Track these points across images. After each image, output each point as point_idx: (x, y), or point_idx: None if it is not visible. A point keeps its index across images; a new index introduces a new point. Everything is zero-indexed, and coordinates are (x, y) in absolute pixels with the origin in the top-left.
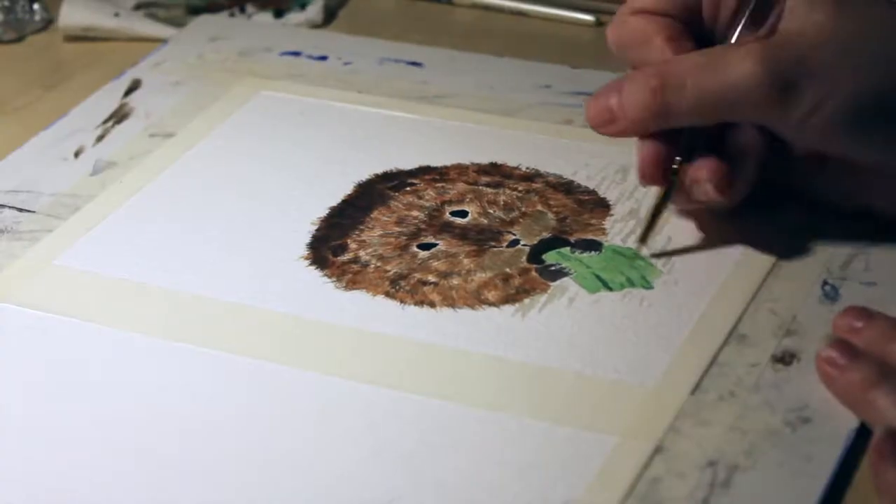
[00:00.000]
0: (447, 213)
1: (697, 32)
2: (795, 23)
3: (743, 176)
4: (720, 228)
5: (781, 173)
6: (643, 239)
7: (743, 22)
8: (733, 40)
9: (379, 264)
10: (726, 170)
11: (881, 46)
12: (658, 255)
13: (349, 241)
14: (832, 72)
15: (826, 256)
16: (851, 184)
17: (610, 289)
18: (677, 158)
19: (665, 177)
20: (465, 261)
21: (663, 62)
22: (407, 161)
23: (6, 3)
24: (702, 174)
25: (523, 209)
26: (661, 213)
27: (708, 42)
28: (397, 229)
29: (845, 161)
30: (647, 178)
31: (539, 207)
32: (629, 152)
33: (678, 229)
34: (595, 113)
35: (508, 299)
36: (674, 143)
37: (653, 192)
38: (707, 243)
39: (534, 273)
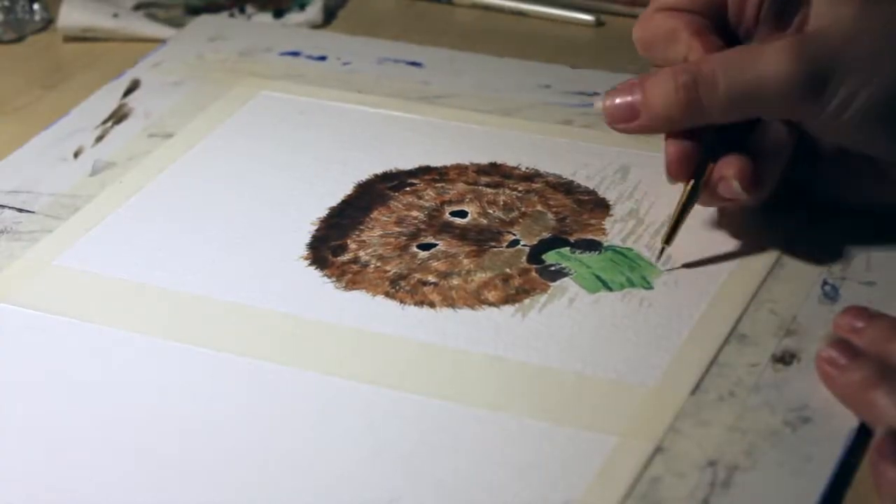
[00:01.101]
0: (447, 214)
1: (722, 30)
2: (824, 20)
3: (769, 174)
4: (720, 229)
5: (805, 174)
6: (668, 239)
7: (769, 19)
8: (759, 35)
9: (379, 264)
10: (753, 168)
11: None
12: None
13: (349, 241)
14: (863, 67)
15: (826, 256)
16: (878, 184)
17: (610, 289)
18: (705, 157)
19: (691, 174)
20: (465, 261)
21: (692, 60)
22: (407, 161)
23: (6, 3)
24: (729, 171)
25: (523, 209)
26: (688, 211)
27: (733, 40)
28: (397, 229)
29: (870, 159)
30: (674, 176)
31: (539, 207)
32: (629, 152)
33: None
34: (614, 109)
35: (508, 299)
36: (699, 141)
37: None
38: (707, 244)
39: (534, 273)
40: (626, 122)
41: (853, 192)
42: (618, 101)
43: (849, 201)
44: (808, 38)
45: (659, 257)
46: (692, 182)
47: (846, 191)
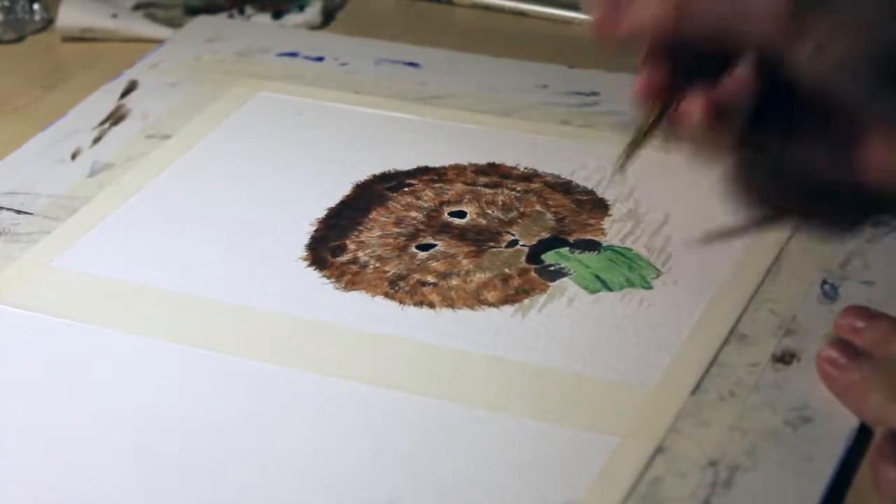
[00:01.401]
0: (446, 214)
1: None
2: None
3: (730, 119)
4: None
5: (779, 145)
6: (622, 164)
7: None
8: None
9: (378, 265)
10: (717, 110)
11: None
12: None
13: (348, 241)
14: (852, 8)
15: (825, 256)
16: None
17: (609, 289)
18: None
19: (659, 98)
20: (464, 261)
21: None
22: (405, 162)
23: (6, 3)
24: (693, 108)
25: (522, 209)
26: (649, 135)
27: None
28: (396, 230)
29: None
30: (641, 95)
31: (537, 207)
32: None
33: (678, 230)
34: (601, 15)
35: (508, 300)
36: (673, 72)
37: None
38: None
39: (533, 273)
40: (610, 28)
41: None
42: (605, 7)
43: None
44: None
45: (612, 175)
46: (657, 110)
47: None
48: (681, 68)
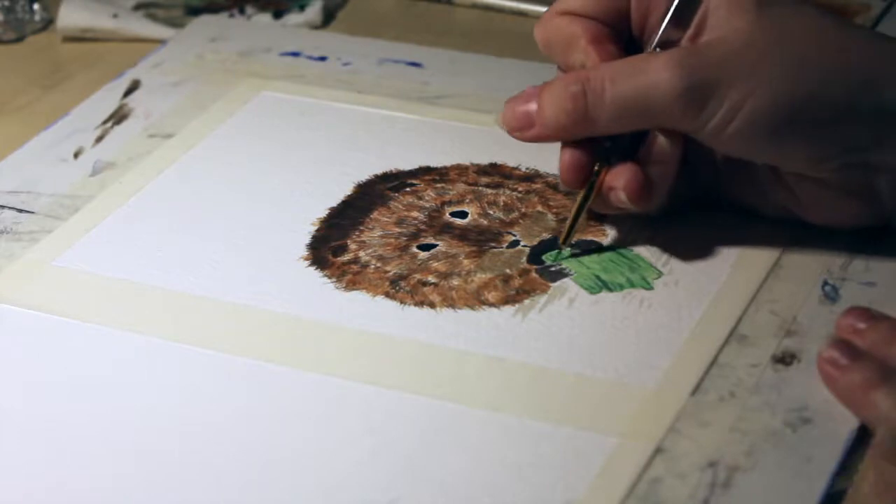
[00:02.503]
0: (447, 214)
1: (626, 37)
2: (717, 31)
3: (658, 185)
4: (720, 229)
5: (707, 182)
6: (565, 241)
7: (664, 27)
8: (654, 44)
9: (379, 265)
10: (642, 179)
11: (797, 53)
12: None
13: (349, 241)
14: (748, 79)
15: (826, 257)
16: (788, 197)
17: (610, 290)
18: (596, 165)
19: (584, 182)
20: (465, 261)
21: (584, 69)
22: (407, 161)
23: (6, 3)
24: (618, 182)
25: (523, 210)
26: (580, 215)
27: (635, 48)
28: (397, 230)
29: (767, 169)
30: (567, 184)
31: (539, 208)
32: None
33: (678, 230)
34: (511, 117)
35: (508, 300)
36: (593, 149)
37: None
38: (707, 244)
39: (534, 274)
40: (522, 130)
41: (757, 198)
42: (517, 108)
43: (758, 208)
44: (693, 51)
45: (556, 258)
46: (584, 190)
47: (751, 198)
48: (600, 147)
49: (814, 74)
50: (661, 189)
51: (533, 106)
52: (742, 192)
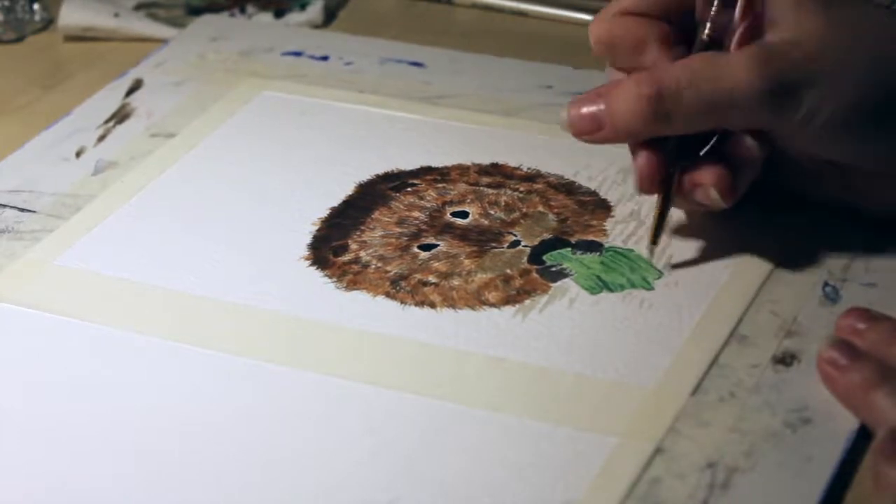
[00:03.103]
0: (448, 214)
1: (687, 34)
2: (786, 30)
3: (743, 182)
4: (721, 230)
5: (777, 176)
6: (654, 241)
7: (738, 26)
8: (733, 43)
9: (379, 265)
10: (729, 175)
11: (873, 51)
12: (676, 266)
13: (350, 241)
14: (828, 78)
15: (827, 258)
16: (845, 185)
17: (611, 290)
18: (673, 167)
19: (662, 185)
20: (466, 261)
21: (655, 69)
22: (408, 161)
23: (6, 3)
24: (706, 179)
25: (524, 210)
26: (665, 217)
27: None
28: (398, 230)
29: (840, 165)
30: (645, 189)
31: (540, 208)
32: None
33: (679, 231)
34: (579, 120)
35: (509, 300)
36: (666, 150)
37: (652, 198)
38: (708, 244)
39: (534, 274)
40: (591, 133)
41: (811, 186)
42: (583, 111)
43: (810, 195)
44: (774, 50)
45: (652, 254)
46: (664, 191)
47: (805, 185)
48: (671, 147)
49: (891, 75)
50: (745, 185)
51: (601, 107)
52: (797, 181)
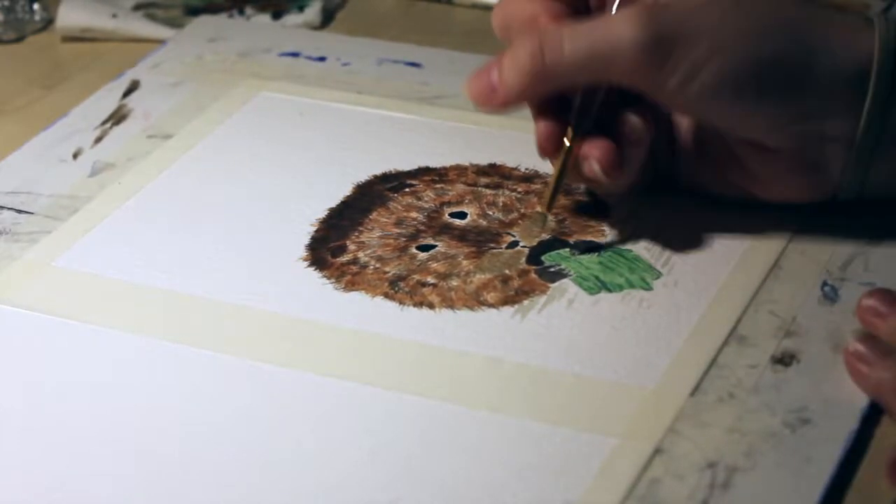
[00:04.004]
0: (446, 215)
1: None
2: None
3: (630, 161)
4: (719, 229)
5: (666, 163)
6: (549, 206)
7: None
8: (614, 9)
9: (378, 265)
10: (615, 151)
11: (759, 15)
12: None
13: (348, 242)
14: (710, 39)
15: (825, 257)
16: (741, 173)
17: (609, 290)
18: (569, 131)
19: (559, 152)
20: (464, 262)
21: (540, 30)
22: (406, 162)
23: (6, 3)
24: (592, 152)
25: (522, 210)
26: (561, 181)
27: None
28: (396, 230)
29: (720, 146)
30: (544, 152)
31: (538, 209)
32: None
33: (678, 230)
34: (475, 89)
35: (508, 301)
36: (566, 119)
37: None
38: (706, 244)
39: (533, 274)
40: (488, 99)
41: (711, 178)
42: (479, 79)
43: (712, 189)
44: (655, 7)
45: (545, 221)
46: (562, 156)
47: (705, 178)
48: (572, 116)
49: (776, 38)
50: (632, 166)
51: (494, 75)
52: (698, 173)
